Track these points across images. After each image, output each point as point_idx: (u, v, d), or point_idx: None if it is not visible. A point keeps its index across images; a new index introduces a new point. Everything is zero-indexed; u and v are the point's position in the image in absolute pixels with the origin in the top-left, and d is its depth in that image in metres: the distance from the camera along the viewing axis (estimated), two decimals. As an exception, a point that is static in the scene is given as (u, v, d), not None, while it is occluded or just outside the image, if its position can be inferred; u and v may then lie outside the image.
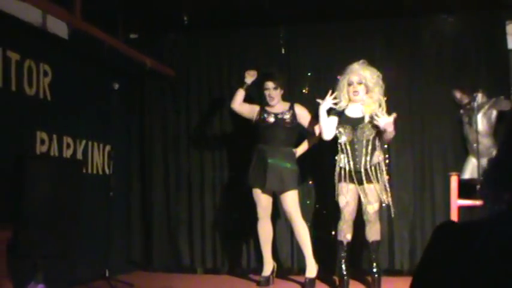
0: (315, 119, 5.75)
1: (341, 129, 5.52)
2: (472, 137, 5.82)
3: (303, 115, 5.85)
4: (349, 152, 5.47)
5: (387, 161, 5.79)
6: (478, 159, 5.67)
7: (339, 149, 5.53)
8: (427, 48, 6.26)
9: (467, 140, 5.95)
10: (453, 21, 6.16)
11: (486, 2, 5.87)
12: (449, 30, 6.17)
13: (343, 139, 5.50)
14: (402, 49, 6.33)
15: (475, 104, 5.74)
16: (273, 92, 5.77)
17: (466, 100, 5.95)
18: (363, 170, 5.42)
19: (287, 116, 5.81)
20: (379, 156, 5.50)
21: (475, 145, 5.76)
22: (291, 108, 5.85)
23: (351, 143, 5.48)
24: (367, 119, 5.47)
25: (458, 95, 6.02)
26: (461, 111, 6.00)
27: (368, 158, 5.44)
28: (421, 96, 6.28)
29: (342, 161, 5.50)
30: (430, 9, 6.07)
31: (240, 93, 5.87)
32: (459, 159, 6.03)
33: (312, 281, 5.70)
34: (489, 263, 1.13)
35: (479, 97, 5.81)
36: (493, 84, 5.99)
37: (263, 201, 5.79)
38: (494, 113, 5.84)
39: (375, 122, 5.38)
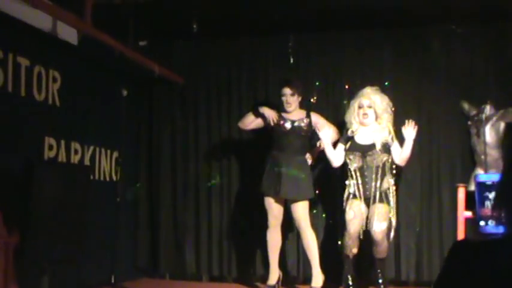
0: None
1: (351, 156, 5.56)
2: (479, 149, 5.81)
3: (320, 123, 5.85)
4: (359, 178, 5.51)
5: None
6: (486, 170, 5.66)
7: (349, 175, 5.58)
8: (435, 59, 6.25)
9: (475, 152, 5.93)
10: (462, 32, 6.15)
11: (495, 14, 5.86)
12: (458, 41, 6.17)
13: (353, 166, 5.54)
14: (411, 59, 6.33)
15: (483, 116, 5.74)
16: (290, 98, 5.79)
17: (474, 111, 5.94)
18: (371, 196, 5.46)
19: (303, 124, 5.83)
20: (388, 183, 5.53)
21: (482, 157, 5.75)
22: (308, 116, 5.86)
23: (361, 169, 5.51)
24: (378, 147, 5.50)
25: (466, 106, 6.01)
26: (469, 122, 5.99)
27: (378, 184, 5.48)
28: (429, 107, 6.27)
29: (352, 187, 5.55)
30: (439, 20, 6.07)
31: (249, 117, 5.90)
32: (467, 171, 6.02)
33: None
34: (506, 282, 1.13)
35: (488, 109, 5.80)
36: (502, 96, 5.98)
37: (275, 210, 5.78)
38: (502, 124, 5.83)
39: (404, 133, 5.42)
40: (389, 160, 5.55)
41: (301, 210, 5.71)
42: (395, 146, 5.56)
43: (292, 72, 6.49)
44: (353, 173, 5.54)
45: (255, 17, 6.14)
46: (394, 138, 5.57)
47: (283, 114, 5.84)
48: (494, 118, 5.81)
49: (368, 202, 5.49)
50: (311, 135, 5.88)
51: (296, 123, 5.81)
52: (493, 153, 5.74)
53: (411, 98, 6.27)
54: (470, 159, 6.04)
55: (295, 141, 5.78)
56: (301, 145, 5.82)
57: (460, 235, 5.24)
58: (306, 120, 5.83)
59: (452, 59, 6.22)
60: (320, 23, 6.23)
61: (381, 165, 5.50)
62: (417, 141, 6.20)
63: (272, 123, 5.79)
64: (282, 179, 5.68)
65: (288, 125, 5.81)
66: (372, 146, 5.53)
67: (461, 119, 6.09)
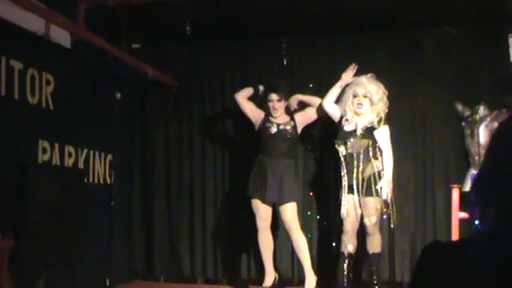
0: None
1: (336, 145, 5.57)
2: (473, 150, 5.82)
3: (302, 114, 5.92)
4: (344, 166, 5.51)
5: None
6: (480, 171, 5.66)
7: (341, 163, 5.57)
8: (429, 60, 6.26)
9: (469, 153, 5.95)
10: (456, 33, 6.17)
11: (489, 15, 5.88)
12: (452, 42, 6.18)
13: (341, 154, 5.54)
14: (405, 61, 6.34)
15: (477, 117, 5.76)
16: (276, 103, 5.82)
17: (468, 112, 5.96)
18: (355, 182, 5.44)
19: (288, 127, 5.85)
20: (374, 168, 5.48)
21: (476, 157, 5.76)
22: (292, 119, 5.88)
23: (345, 157, 5.51)
24: (359, 132, 5.48)
25: (460, 107, 6.03)
26: (463, 123, 6.00)
27: (360, 170, 5.44)
28: (423, 109, 6.28)
29: (342, 175, 5.54)
30: (433, 21, 6.08)
31: (248, 90, 5.98)
32: (461, 172, 6.03)
33: None
34: (478, 280, 1.14)
35: (482, 109, 5.82)
36: (496, 97, 5.99)
37: (262, 213, 5.79)
38: (496, 125, 5.83)
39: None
40: (374, 145, 5.48)
41: (289, 212, 5.72)
42: (381, 131, 5.46)
43: (285, 74, 6.49)
44: (341, 160, 5.54)
45: (249, 19, 6.14)
46: (383, 121, 5.50)
47: (270, 118, 5.87)
48: (488, 119, 5.82)
49: (353, 191, 5.45)
50: (296, 138, 5.91)
51: (281, 127, 5.84)
52: (487, 154, 5.75)
53: (405, 100, 6.28)
54: (465, 160, 6.05)
55: (281, 145, 5.81)
56: (287, 149, 5.85)
57: (455, 236, 5.26)
58: (291, 123, 5.86)
59: (446, 60, 6.23)
60: (313, 25, 6.24)
61: (362, 151, 5.47)
62: (411, 142, 6.25)
63: (260, 92, 5.90)
64: (267, 182, 5.70)
65: (274, 129, 5.83)
66: (353, 132, 5.51)
67: (456, 120, 6.10)
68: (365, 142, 5.46)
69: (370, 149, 5.48)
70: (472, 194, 1.27)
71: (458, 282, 1.16)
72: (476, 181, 1.27)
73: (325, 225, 6.33)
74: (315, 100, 5.91)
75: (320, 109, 5.86)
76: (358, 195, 5.45)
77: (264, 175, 5.72)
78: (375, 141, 5.48)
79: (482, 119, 5.80)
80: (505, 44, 6.02)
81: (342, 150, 5.53)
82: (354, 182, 5.45)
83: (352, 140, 5.48)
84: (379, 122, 5.50)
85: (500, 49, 6.01)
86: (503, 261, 1.13)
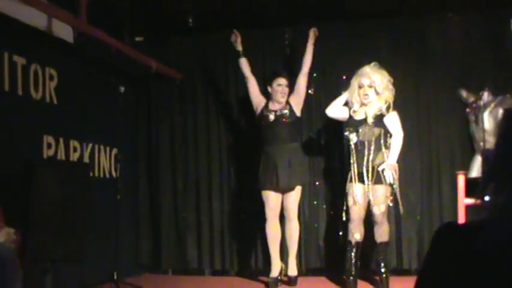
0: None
1: (347, 133, 5.56)
2: (478, 136, 5.80)
3: (295, 96, 5.93)
4: (354, 154, 5.50)
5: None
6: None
7: (350, 153, 5.56)
8: (433, 47, 6.25)
9: (473, 139, 5.93)
10: (459, 19, 6.14)
11: (491, 1, 5.85)
12: (455, 29, 6.15)
13: (351, 143, 5.53)
14: (408, 48, 6.32)
15: (481, 103, 5.74)
16: (285, 88, 5.88)
17: (472, 99, 5.94)
18: (365, 170, 5.43)
19: (285, 111, 5.88)
20: (384, 157, 5.49)
21: (481, 143, 5.74)
22: (287, 103, 5.92)
23: (356, 145, 5.50)
24: (370, 120, 5.47)
25: (464, 93, 6.01)
26: (468, 109, 5.99)
27: (371, 158, 5.44)
28: (427, 95, 6.27)
29: (351, 162, 5.53)
30: (435, 8, 6.06)
31: (244, 62, 5.99)
32: (466, 158, 6.02)
33: (295, 278, 5.87)
34: (489, 263, 1.14)
35: (486, 95, 5.80)
36: (499, 82, 5.97)
37: (272, 202, 5.80)
38: (500, 111, 5.81)
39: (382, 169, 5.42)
40: (386, 134, 5.49)
41: (293, 199, 5.80)
42: (390, 117, 5.48)
43: (288, 64, 6.48)
44: (351, 149, 5.54)
45: (251, 9, 6.13)
46: (392, 109, 5.51)
47: (270, 107, 5.90)
48: (493, 104, 5.80)
49: (363, 179, 5.46)
50: (296, 121, 5.92)
51: (278, 113, 5.86)
52: (492, 140, 5.72)
53: (409, 87, 6.26)
54: (470, 147, 6.04)
55: (281, 131, 5.84)
56: (289, 133, 5.88)
57: (461, 222, 5.24)
58: (287, 107, 5.89)
59: (450, 47, 6.21)
60: (316, 14, 6.22)
61: (373, 139, 5.47)
62: (416, 130, 6.23)
63: (241, 48, 5.97)
64: (278, 170, 5.72)
65: (271, 117, 5.86)
66: (364, 120, 5.51)
67: (460, 107, 6.09)
68: (377, 131, 5.46)
69: (382, 137, 5.48)
70: (486, 171, 1.26)
71: (467, 265, 1.15)
72: (488, 166, 1.26)
73: (331, 214, 6.33)
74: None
75: (304, 77, 5.92)
76: (368, 183, 5.44)
77: (274, 164, 5.74)
78: (386, 130, 5.48)
79: (486, 105, 5.78)
80: (508, 29, 5.99)
81: (353, 137, 5.51)
82: (364, 170, 5.45)
83: (363, 128, 5.47)
84: (387, 108, 5.49)
85: (503, 34, 5.98)
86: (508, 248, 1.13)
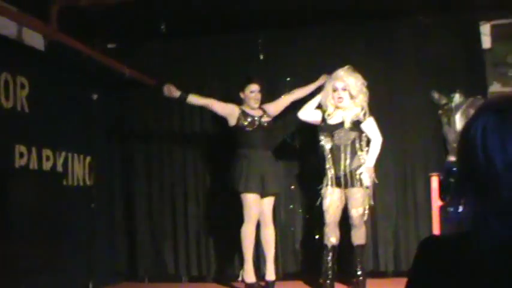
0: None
1: (322, 137, 5.59)
2: (451, 137, 5.87)
3: (274, 105, 6.01)
4: (330, 158, 5.53)
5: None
6: (458, 159, 5.72)
7: (326, 157, 5.58)
8: (405, 50, 6.31)
9: (446, 140, 5.99)
10: (429, 22, 6.20)
11: (460, 4, 5.92)
12: (425, 32, 6.21)
13: (326, 147, 5.56)
14: (380, 52, 6.36)
15: (453, 105, 5.81)
16: (258, 94, 5.90)
17: (444, 101, 5.99)
18: (342, 174, 5.47)
19: (266, 119, 5.93)
20: (360, 160, 5.53)
21: (454, 145, 5.80)
22: (264, 111, 5.95)
23: (331, 149, 5.53)
24: (346, 124, 5.51)
25: (436, 96, 6.06)
26: (440, 111, 6.04)
27: (348, 162, 5.48)
28: (400, 98, 6.32)
29: (327, 167, 5.55)
30: (406, 11, 6.10)
31: (192, 98, 5.93)
32: (440, 160, 6.07)
33: (273, 283, 5.84)
34: (476, 273, 1.15)
35: (457, 97, 5.87)
36: (470, 84, 6.04)
37: (255, 206, 5.77)
38: (472, 112, 5.88)
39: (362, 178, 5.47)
40: (361, 137, 5.56)
41: (271, 204, 5.86)
42: (368, 123, 5.56)
43: (262, 69, 6.49)
44: (326, 153, 5.57)
45: (224, 15, 6.12)
46: (368, 114, 5.58)
47: (247, 111, 5.89)
48: (464, 106, 5.87)
49: (341, 181, 5.49)
50: (271, 130, 6.00)
51: (262, 119, 5.90)
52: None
53: (382, 90, 6.29)
54: (443, 148, 6.09)
55: (263, 137, 5.89)
56: (268, 140, 5.96)
57: (435, 224, 5.30)
58: (265, 115, 5.93)
59: (421, 50, 6.27)
60: (288, 19, 6.23)
61: (349, 143, 5.51)
62: (390, 132, 6.28)
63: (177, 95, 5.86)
64: (264, 175, 5.75)
65: (255, 122, 5.88)
66: (340, 125, 5.55)
67: (433, 109, 6.14)
68: (352, 135, 5.52)
69: (357, 141, 5.53)
70: (456, 185, 1.28)
71: (455, 276, 1.16)
72: (460, 180, 1.27)
73: (307, 218, 6.34)
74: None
75: (289, 100, 6.03)
76: (346, 187, 5.48)
77: (259, 169, 5.74)
78: (361, 134, 5.53)
79: (458, 107, 5.85)
80: (477, 32, 6.07)
81: (328, 143, 5.55)
82: (342, 174, 5.48)
83: (339, 132, 5.51)
84: (364, 114, 5.54)
85: (473, 37, 6.06)
86: (502, 256, 1.14)
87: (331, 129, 5.56)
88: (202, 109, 6.65)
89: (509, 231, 1.15)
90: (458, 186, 1.26)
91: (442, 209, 5.18)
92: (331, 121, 5.60)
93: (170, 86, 5.86)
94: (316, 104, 5.76)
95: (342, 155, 5.50)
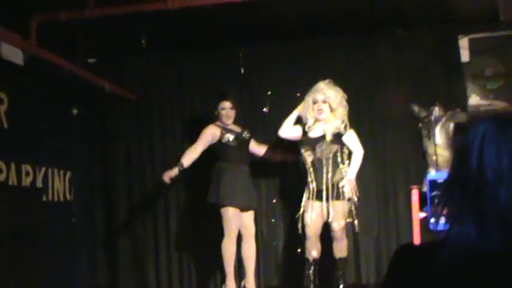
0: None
1: (302, 151, 5.60)
2: (431, 150, 5.91)
3: (254, 145, 6.09)
4: (312, 172, 5.53)
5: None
6: (438, 171, 5.76)
7: (307, 171, 5.59)
8: (384, 63, 6.35)
9: (426, 153, 6.03)
10: (408, 36, 6.26)
11: (439, 17, 5.98)
12: (405, 45, 6.27)
13: (308, 161, 5.57)
14: (360, 65, 6.40)
15: (433, 117, 5.86)
16: (230, 111, 5.89)
17: (424, 113, 6.04)
18: (324, 187, 5.48)
19: (247, 135, 5.98)
20: (342, 173, 5.55)
21: (434, 157, 5.85)
22: (241, 127, 6.00)
23: (313, 163, 5.54)
24: (328, 137, 5.53)
25: (416, 108, 6.10)
26: (420, 124, 6.09)
27: (330, 176, 5.49)
28: (380, 111, 6.35)
29: (309, 181, 5.55)
30: (386, 24, 6.16)
31: (187, 161, 5.83)
32: (421, 172, 6.10)
33: None
34: (451, 281, 1.15)
35: (437, 110, 5.92)
36: (450, 97, 6.10)
37: (237, 220, 5.78)
38: (451, 125, 5.94)
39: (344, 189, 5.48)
40: (342, 150, 5.58)
41: (252, 218, 5.88)
42: (349, 135, 5.57)
43: (243, 83, 6.50)
44: (307, 167, 5.57)
45: (204, 30, 6.13)
46: (348, 127, 5.60)
47: (228, 127, 5.91)
48: (444, 119, 5.92)
49: (321, 196, 5.49)
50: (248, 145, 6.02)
51: (243, 135, 5.94)
52: (444, 154, 5.84)
53: (362, 103, 6.33)
54: (423, 161, 6.13)
55: (244, 153, 5.93)
56: (247, 155, 5.98)
57: (416, 236, 5.31)
58: (246, 132, 5.98)
59: (400, 63, 6.32)
60: (268, 33, 6.26)
61: (331, 156, 5.53)
62: (371, 145, 6.31)
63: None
64: (248, 189, 5.82)
65: (238, 138, 5.90)
66: (322, 138, 5.56)
67: (413, 121, 6.18)
68: (334, 148, 5.53)
69: (339, 154, 5.54)
70: (441, 197, 1.26)
71: (429, 284, 1.17)
72: (448, 184, 1.26)
73: (289, 232, 6.34)
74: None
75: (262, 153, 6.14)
76: (327, 200, 5.48)
77: (243, 183, 5.79)
78: (342, 147, 5.55)
79: (437, 120, 5.90)
80: (456, 46, 6.13)
81: (309, 156, 5.56)
82: (324, 187, 5.48)
83: (321, 145, 5.52)
84: (345, 127, 5.56)
85: (451, 50, 6.13)
86: (472, 266, 1.14)
87: (313, 143, 5.57)
88: (184, 125, 6.66)
89: (486, 244, 1.14)
90: (446, 189, 1.25)
91: (425, 222, 5.20)
92: (312, 134, 5.61)
93: (166, 173, 5.82)
94: (294, 120, 5.78)
95: (324, 168, 5.51)
